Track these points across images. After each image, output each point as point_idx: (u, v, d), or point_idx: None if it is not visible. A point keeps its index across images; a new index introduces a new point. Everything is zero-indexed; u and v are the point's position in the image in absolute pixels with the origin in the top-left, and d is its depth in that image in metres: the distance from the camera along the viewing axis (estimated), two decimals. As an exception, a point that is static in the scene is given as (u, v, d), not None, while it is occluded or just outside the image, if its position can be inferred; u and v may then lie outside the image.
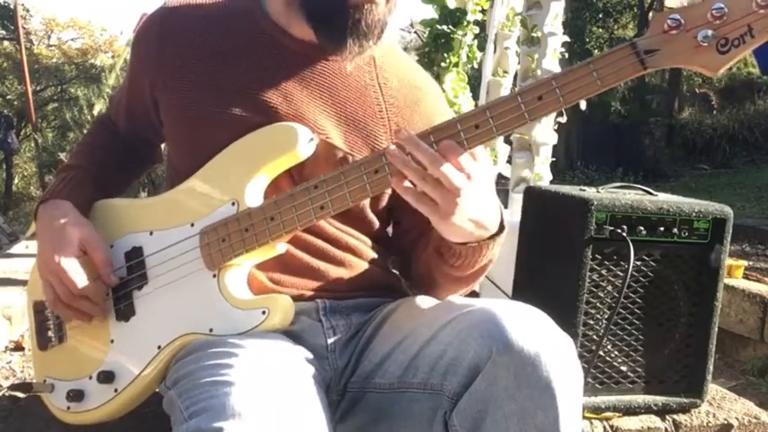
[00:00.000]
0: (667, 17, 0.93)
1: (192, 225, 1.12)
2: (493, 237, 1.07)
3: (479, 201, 0.99)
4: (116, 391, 1.13)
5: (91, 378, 1.15)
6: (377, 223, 1.24)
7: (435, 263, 1.16)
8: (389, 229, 1.30)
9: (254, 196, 1.10)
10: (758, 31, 0.90)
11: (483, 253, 1.09)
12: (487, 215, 1.02)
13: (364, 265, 1.22)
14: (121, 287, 1.16)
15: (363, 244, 1.22)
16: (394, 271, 1.30)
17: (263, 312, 1.06)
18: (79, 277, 1.12)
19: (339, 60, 1.17)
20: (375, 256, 1.24)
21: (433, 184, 0.96)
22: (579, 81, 0.95)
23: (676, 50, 0.93)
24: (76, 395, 1.16)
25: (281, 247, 1.11)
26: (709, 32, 0.91)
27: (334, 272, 1.18)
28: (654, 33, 0.94)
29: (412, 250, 1.25)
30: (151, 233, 1.16)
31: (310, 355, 1.09)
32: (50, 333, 1.22)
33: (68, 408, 1.17)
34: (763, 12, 0.89)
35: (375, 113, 1.19)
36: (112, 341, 1.15)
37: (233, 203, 1.10)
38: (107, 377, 1.13)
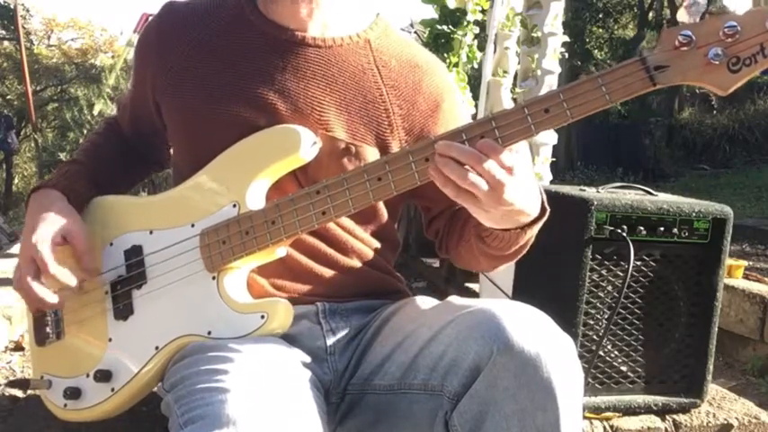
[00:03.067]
0: (678, 33, 0.92)
1: (193, 225, 1.12)
2: (535, 221, 1.06)
3: (520, 191, 0.98)
4: (113, 390, 1.13)
5: (88, 376, 1.15)
6: (385, 217, 1.23)
7: (477, 245, 1.14)
8: (423, 218, 1.30)
9: (255, 198, 1.10)
10: None
11: (524, 236, 1.08)
12: (528, 203, 1.01)
13: (367, 270, 1.21)
14: (120, 286, 1.16)
15: (368, 246, 1.21)
16: (398, 275, 1.30)
17: (262, 317, 1.06)
18: (51, 260, 1.10)
19: (333, 46, 1.16)
20: (378, 258, 1.23)
21: (475, 182, 0.95)
22: (587, 95, 0.94)
23: (686, 67, 0.92)
24: (73, 393, 1.15)
25: (281, 251, 1.10)
26: (721, 50, 0.90)
27: (336, 276, 1.18)
28: (664, 49, 0.93)
29: (449, 231, 1.24)
30: (151, 232, 1.16)
31: (308, 359, 1.09)
32: (48, 329, 1.22)
33: (65, 405, 1.17)
34: None
35: (375, 98, 1.17)
36: (110, 340, 1.15)
37: (234, 205, 1.10)
38: (104, 376, 1.13)
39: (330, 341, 1.15)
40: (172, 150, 1.30)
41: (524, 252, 1.14)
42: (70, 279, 1.12)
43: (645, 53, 0.94)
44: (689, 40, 0.91)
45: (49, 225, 1.13)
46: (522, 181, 0.97)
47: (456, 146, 0.96)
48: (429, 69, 1.23)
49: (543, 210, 1.06)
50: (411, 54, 1.23)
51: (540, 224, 1.08)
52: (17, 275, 1.15)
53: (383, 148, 1.16)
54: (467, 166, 0.95)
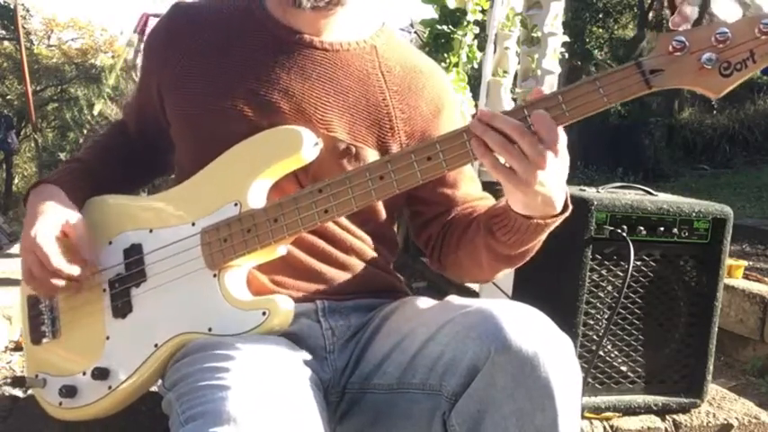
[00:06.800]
0: (672, 39, 0.95)
1: (193, 224, 1.12)
2: (556, 216, 1.05)
3: (557, 177, 0.98)
4: (110, 388, 1.13)
5: (84, 374, 1.15)
6: (384, 217, 1.23)
7: (486, 241, 1.12)
8: (411, 225, 1.30)
9: (256, 197, 1.10)
10: (760, 56, 0.93)
11: (541, 231, 1.06)
12: (560, 192, 1.01)
13: (366, 267, 1.21)
14: (119, 284, 1.16)
15: (366, 245, 1.22)
16: (397, 274, 1.30)
17: (264, 314, 1.06)
18: (53, 252, 1.11)
19: (341, 50, 1.17)
20: (377, 257, 1.23)
21: (515, 154, 0.95)
22: (585, 97, 0.97)
23: (680, 71, 0.96)
24: (69, 391, 1.15)
25: (282, 249, 1.11)
26: (713, 56, 0.94)
27: (336, 274, 1.18)
28: (659, 54, 0.96)
29: (445, 237, 1.23)
30: (151, 231, 1.16)
31: (309, 357, 1.09)
32: (44, 327, 1.21)
33: (60, 403, 1.16)
34: (764, 38, 0.92)
35: (378, 102, 1.19)
36: (108, 338, 1.15)
37: (235, 204, 1.10)
38: (101, 374, 1.13)
39: (330, 340, 1.15)
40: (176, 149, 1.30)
41: (528, 257, 1.14)
42: (72, 270, 1.12)
43: (641, 58, 0.97)
44: (682, 46, 0.95)
45: (49, 217, 1.14)
46: (561, 166, 0.98)
47: (499, 116, 0.97)
48: (431, 75, 1.25)
49: (566, 206, 1.05)
50: (414, 61, 1.25)
51: (558, 222, 1.06)
52: (24, 269, 1.16)
53: (383, 150, 1.17)
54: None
